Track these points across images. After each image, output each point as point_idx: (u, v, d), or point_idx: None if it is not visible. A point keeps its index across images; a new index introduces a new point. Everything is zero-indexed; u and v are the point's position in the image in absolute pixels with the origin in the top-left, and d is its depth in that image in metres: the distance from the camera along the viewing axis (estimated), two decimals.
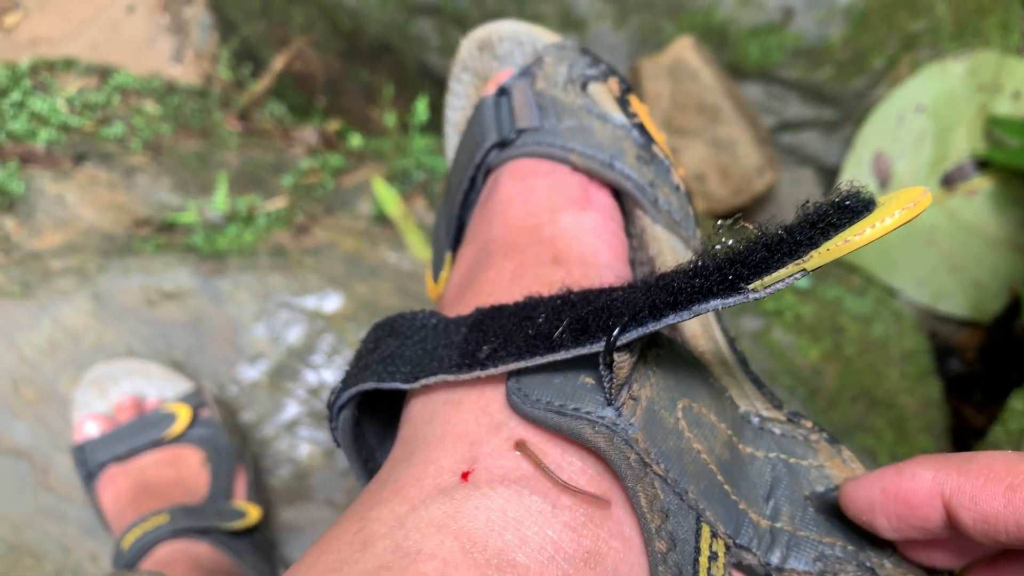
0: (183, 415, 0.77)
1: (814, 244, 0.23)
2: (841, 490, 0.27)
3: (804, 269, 0.23)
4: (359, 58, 1.31)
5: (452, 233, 0.40)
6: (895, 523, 0.25)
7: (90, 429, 0.78)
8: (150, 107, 1.13)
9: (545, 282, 0.32)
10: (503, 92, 0.40)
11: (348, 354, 0.86)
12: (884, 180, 1.14)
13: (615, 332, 0.26)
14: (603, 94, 0.40)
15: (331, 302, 0.88)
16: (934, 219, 1.12)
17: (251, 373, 0.85)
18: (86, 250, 0.92)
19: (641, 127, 0.39)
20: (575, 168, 0.38)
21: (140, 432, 0.77)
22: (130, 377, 0.81)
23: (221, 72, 1.22)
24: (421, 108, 1.09)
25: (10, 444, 0.83)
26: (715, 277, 0.24)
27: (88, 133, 1.07)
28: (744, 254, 0.24)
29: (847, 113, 1.15)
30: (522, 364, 0.28)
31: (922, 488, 0.24)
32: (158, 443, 0.76)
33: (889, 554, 0.27)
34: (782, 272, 0.23)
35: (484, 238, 0.36)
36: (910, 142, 1.13)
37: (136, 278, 0.88)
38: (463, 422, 0.29)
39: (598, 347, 0.27)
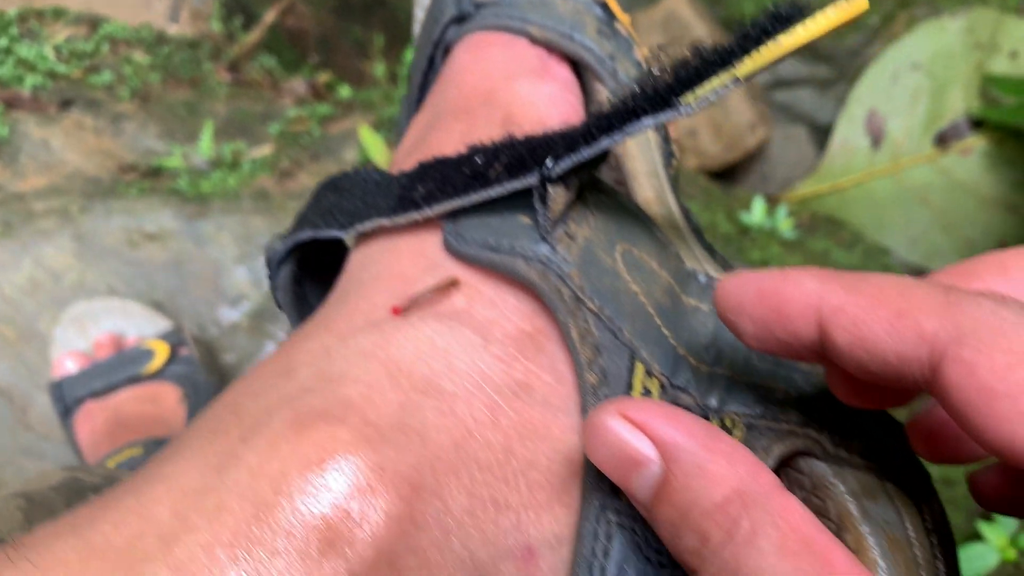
0: (161, 352, 0.76)
1: (746, 51, 0.22)
2: (719, 284, 0.23)
3: (736, 77, 0.23)
4: (352, 14, 1.30)
5: (412, 116, 0.40)
6: (759, 330, 0.22)
7: (69, 366, 0.78)
8: (139, 56, 1.12)
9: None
10: None
11: None
12: (877, 138, 1.13)
13: (548, 162, 0.26)
14: None
15: None
16: (928, 178, 1.11)
17: (232, 315, 0.85)
18: (70, 193, 0.91)
19: (604, 5, 0.39)
20: (534, 41, 0.37)
21: (118, 368, 0.76)
22: (110, 315, 0.80)
23: (213, 24, 1.22)
24: (409, 58, 1.08)
25: None
26: (648, 96, 0.24)
27: (76, 80, 1.06)
28: (676, 70, 0.24)
29: (841, 71, 1.14)
30: (457, 204, 0.28)
31: (800, 297, 0.21)
32: (136, 379, 0.76)
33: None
34: (714, 82, 0.23)
35: (437, 105, 0.36)
36: (904, 100, 1.12)
37: (119, 219, 0.88)
38: (398, 264, 0.29)
39: (532, 180, 0.26)
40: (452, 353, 0.25)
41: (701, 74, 0.23)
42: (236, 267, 0.86)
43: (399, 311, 0.26)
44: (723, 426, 0.25)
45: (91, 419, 0.76)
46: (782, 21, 0.22)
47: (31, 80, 1.03)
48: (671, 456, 0.21)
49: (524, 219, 0.28)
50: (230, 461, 0.22)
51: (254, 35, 1.22)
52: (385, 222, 0.29)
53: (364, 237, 0.31)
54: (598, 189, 0.30)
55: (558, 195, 0.26)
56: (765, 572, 0.18)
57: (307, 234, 0.30)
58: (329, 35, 1.34)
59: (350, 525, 0.22)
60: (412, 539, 0.22)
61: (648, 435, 0.21)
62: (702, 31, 1.07)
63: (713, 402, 0.26)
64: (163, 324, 0.80)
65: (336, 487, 0.22)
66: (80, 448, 0.76)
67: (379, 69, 1.14)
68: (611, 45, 0.37)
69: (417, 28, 0.47)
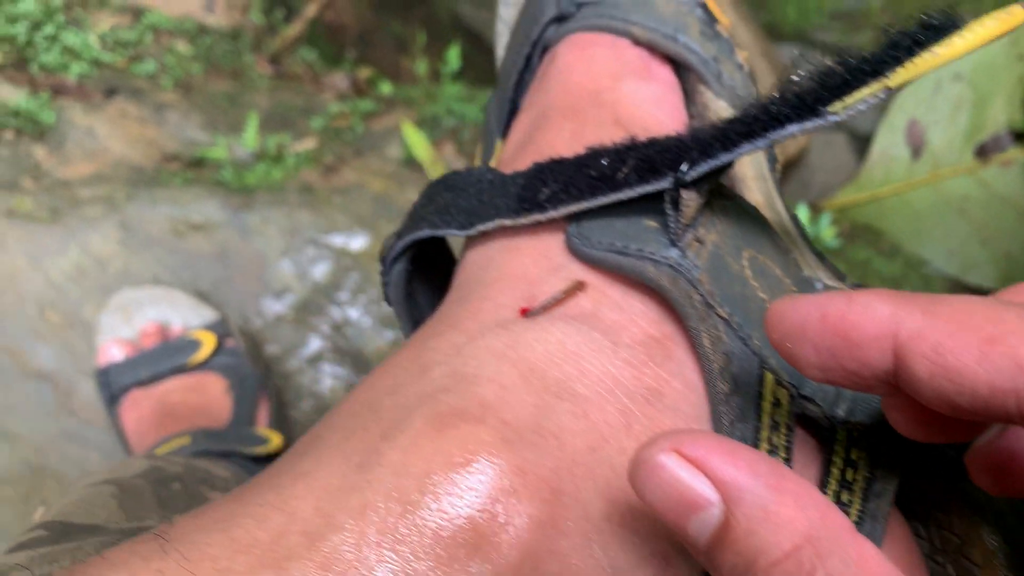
0: (208, 342, 0.77)
1: (898, 61, 0.22)
2: (771, 308, 0.21)
3: (888, 87, 0.23)
4: (391, 9, 1.30)
5: (504, 118, 0.40)
6: (824, 358, 0.20)
7: (114, 353, 0.78)
8: (182, 47, 1.13)
9: (607, 141, 0.32)
10: None
11: (373, 293, 0.86)
12: (917, 148, 1.12)
13: (683, 166, 0.26)
14: None
15: (358, 241, 0.88)
16: (967, 189, 1.10)
17: (276, 307, 0.85)
18: (115, 180, 0.92)
19: (704, 6, 0.39)
20: (636, 41, 0.37)
21: (164, 357, 0.77)
22: (156, 304, 0.81)
23: (254, 16, 1.22)
24: (453, 56, 1.09)
25: (35, 367, 0.83)
26: (793, 103, 0.24)
27: (120, 69, 1.07)
28: (822, 78, 0.24)
29: None
30: (583, 206, 0.28)
31: (873, 324, 0.19)
32: (182, 369, 0.76)
33: None
34: (864, 92, 0.23)
35: (542, 104, 0.36)
36: (946, 110, 1.11)
37: (164, 208, 0.88)
38: (521, 264, 0.29)
39: (665, 184, 0.26)
40: (583, 356, 0.25)
41: (849, 83, 0.23)
42: (281, 260, 0.86)
43: (526, 312, 0.27)
44: (850, 437, 0.25)
45: (137, 407, 0.76)
46: (935, 31, 0.22)
47: (76, 68, 1.04)
48: (733, 498, 0.19)
49: (650, 222, 0.28)
50: (372, 459, 0.23)
51: (295, 28, 1.22)
52: (507, 222, 0.29)
53: (480, 236, 0.31)
54: (722, 194, 0.30)
55: (691, 200, 0.26)
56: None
57: (426, 232, 0.30)
58: (368, 30, 1.34)
59: (495, 528, 0.22)
60: (554, 544, 0.23)
61: (707, 474, 0.19)
62: (745, 37, 1.07)
63: (840, 413, 0.26)
64: (208, 314, 0.81)
65: (481, 488, 0.22)
66: (126, 436, 0.76)
67: (421, 66, 1.14)
68: (714, 47, 0.37)
69: (499, 47, 0.47)
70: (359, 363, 0.84)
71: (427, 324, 0.29)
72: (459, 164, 0.96)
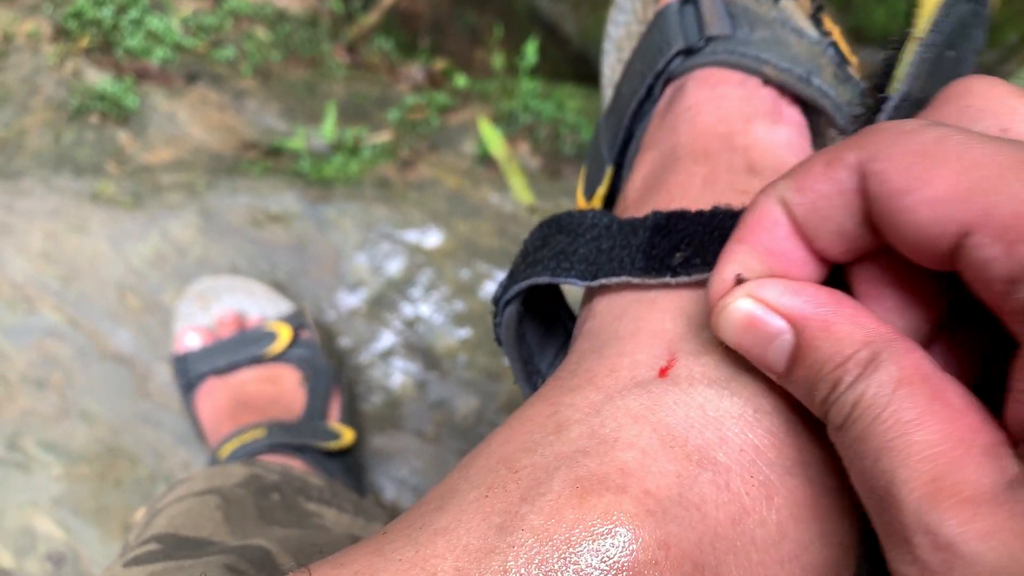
0: (284, 334, 0.78)
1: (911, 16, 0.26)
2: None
3: (917, 39, 0.26)
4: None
5: (618, 145, 0.39)
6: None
7: (191, 341, 0.80)
8: (261, 33, 1.14)
9: (740, 190, 0.31)
10: (688, 0, 0.39)
11: (445, 290, 0.86)
12: None
13: None
14: (796, 9, 0.39)
15: (432, 238, 0.88)
16: None
17: (350, 300, 0.86)
18: (195, 167, 0.93)
19: (835, 45, 0.38)
20: (767, 81, 0.36)
21: (241, 347, 0.78)
22: (233, 293, 0.82)
23: (332, 3, 1.22)
24: (531, 51, 1.08)
25: (114, 350, 0.85)
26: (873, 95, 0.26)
27: (200, 54, 1.08)
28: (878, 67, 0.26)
29: None
30: None
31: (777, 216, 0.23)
32: (258, 360, 0.77)
33: None
34: (905, 55, 0.26)
35: (669, 144, 0.35)
36: None
37: (243, 198, 0.89)
38: (659, 320, 0.28)
39: None
40: (723, 424, 0.25)
41: (893, 58, 0.25)
42: (356, 253, 0.87)
43: (666, 373, 0.26)
44: None
45: (213, 396, 0.77)
46: None
47: (159, 52, 1.05)
48: (801, 324, 0.22)
49: None
50: (513, 522, 0.22)
51: (372, 16, 1.23)
52: (634, 280, 0.28)
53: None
54: None
55: None
56: (881, 400, 0.20)
57: (544, 279, 0.30)
58: (442, 19, 1.34)
59: None
60: None
61: (777, 310, 0.23)
62: None
63: None
64: (284, 306, 0.82)
65: (624, 561, 0.22)
66: (201, 424, 0.78)
67: (497, 60, 1.14)
68: (847, 91, 0.36)
69: (606, 66, 0.46)
70: (429, 360, 0.85)
71: (559, 375, 0.28)
72: (534, 163, 0.96)
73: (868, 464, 0.19)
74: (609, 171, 0.39)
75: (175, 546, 0.33)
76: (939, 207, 0.19)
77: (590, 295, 0.31)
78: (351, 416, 0.81)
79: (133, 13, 1.08)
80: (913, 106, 0.27)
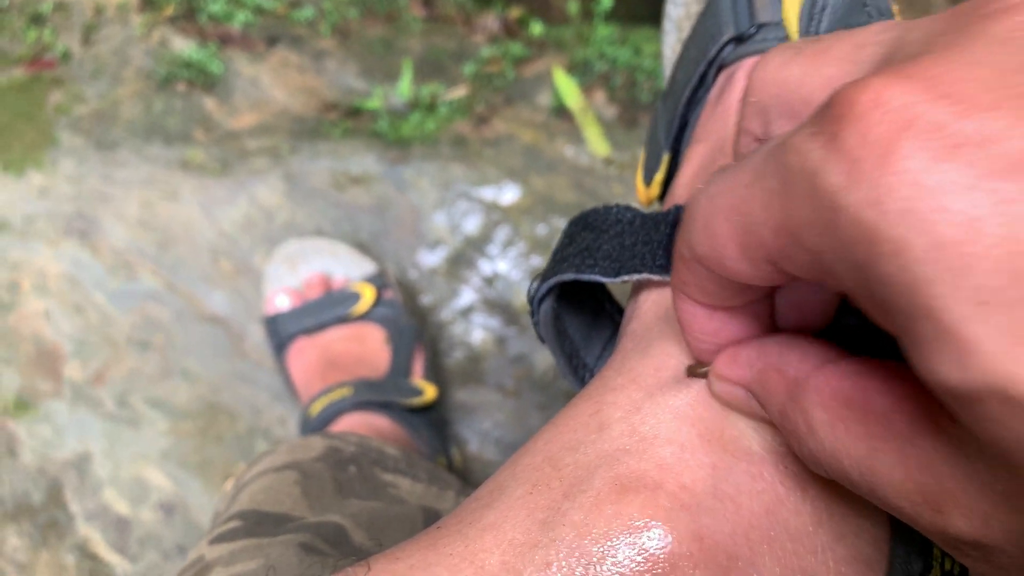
0: (368, 294, 0.80)
1: None
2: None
3: None
4: None
5: (674, 132, 0.39)
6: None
7: (281, 302, 0.83)
8: None
9: None
10: None
11: (523, 246, 0.87)
12: None
13: None
14: None
15: (508, 194, 0.89)
16: None
17: (431, 259, 0.88)
18: (278, 131, 0.96)
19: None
20: None
21: (328, 308, 0.81)
22: (319, 255, 0.85)
23: None
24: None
25: (210, 312, 0.89)
26: None
27: (280, 16, 1.10)
28: None
29: None
30: None
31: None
32: (344, 319, 0.80)
33: None
34: None
35: (719, 137, 0.35)
36: None
37: (325, 161, 0.91)
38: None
39: None
40: (758, 412, 0.25)
41: None
42: (435, 212, 0.88)
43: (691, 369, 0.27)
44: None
45: (303, 355, 0.81)
46: None
47: (241, 16, 1.07)
48: (748, 389, 0.24)
49: None
50: (555, 517, 0.24)
51: None
52: (655, 278, 0.29)
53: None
54: None
55: None
56: (829, 447, 0.20)
57: (569, 276, 0.30)
58: None
59: None
60: None
61: (731, 382, 0.24)
62: None
63: None
64: (368, 266, 0.84)
65: (659, 554, 0.23)
66: (293, 382, 0.81)
67: (573, 7, 1.12)
68: None
69: (666, 46, 0.45)
70: (508, 315, 0.86)
71: (603, 374, 0.29)
72: (610, 112, 0.95)
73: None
74: (666, 157, 0.39)
75: (256, 522, 0.36)
76: (744, 268, 0.20)
77: (636, 291, 0.32)
78: (434, 372, 0.83)
79: None
80: None
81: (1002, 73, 0.14)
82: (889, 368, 0.19)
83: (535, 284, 0.32)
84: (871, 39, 0.19)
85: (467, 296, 0.87)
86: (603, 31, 1.03)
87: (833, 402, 0.20)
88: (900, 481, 0.18)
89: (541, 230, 0.87)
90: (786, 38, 0.35)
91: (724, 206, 0.19)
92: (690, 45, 0.40)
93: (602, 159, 0.92)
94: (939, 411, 0.17)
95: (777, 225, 0.17)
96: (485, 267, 0.87)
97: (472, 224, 0.88)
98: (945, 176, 0.14)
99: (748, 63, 0.37)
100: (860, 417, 0.19)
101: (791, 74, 0.21)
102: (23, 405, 0.90)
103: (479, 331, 0.86)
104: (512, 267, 0.87)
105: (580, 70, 0.99)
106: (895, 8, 0.37)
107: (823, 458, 0.20)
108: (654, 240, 0.30)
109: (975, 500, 0.16)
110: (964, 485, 0.16)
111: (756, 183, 0.18)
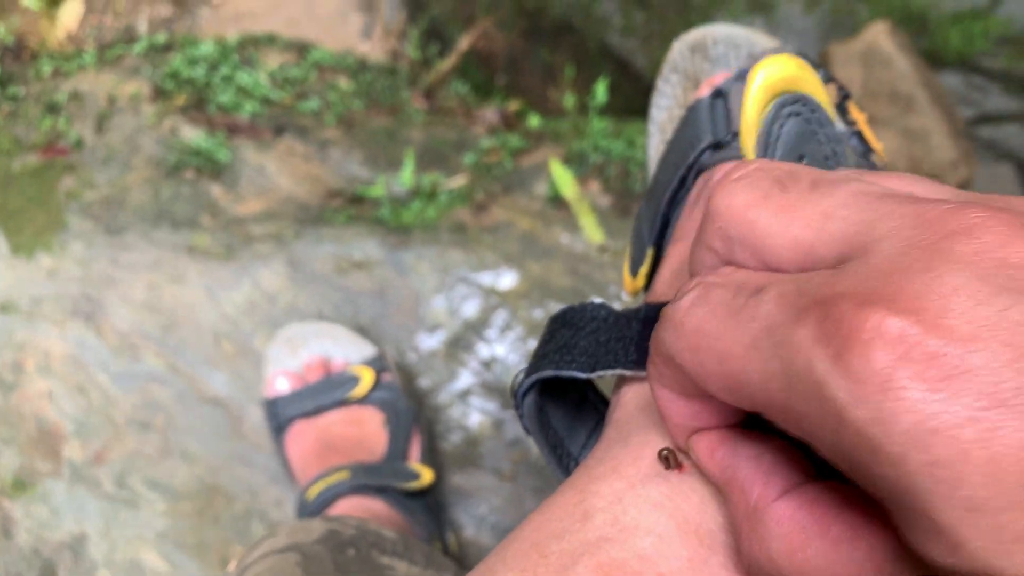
0: (367, 378, 0.81)
1: None
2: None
3: None
4: (540, 37, 1.33)
5: (656, 230, 0.41)
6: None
7: (281, 385, 0.84)
8: (344, 83, 1.19)
9: None
10: (719, 94, 0.41)
11: (520, 330, 0.89)
12: None
13: None
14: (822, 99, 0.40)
15: (506, 279, 0.91)
16: None
17: (429, 342, 0.89)
18: (283, 218, 0.98)
19: (860, 135, 0.39)
20: None
21: (327, 391, 0.82)
22: (319, 338, 0.86)
23: (410, 51, 1.27)
24: (601, 90, 1.10)
25: (211, 393, 0.90)
26: None
27: (287, 106, 1.14)
28: None
29: None
30: None
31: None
32: (343, 403, 0.82)
33: None
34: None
35: (693, 234, 0.37)
36: None
37: (328, 246, 0.94)
38: None
39: None
40: None
41: None
42: (434, 297, 0.91)
43: (684, 468, 0.28)
44: None
45: (301, 438, 0.82)
46: None
47: (249, 107, 1.11)
48: (718, 483, 0.25)
49: None
50: None
51: (449, 61, 1.27)
52: (627, 373, 0.31)
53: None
54: None
55: None
56: (777, 557, 0.21)
57: (549, 372, 0.32)
58: (517, 57, 1.38)
59: None
60: None
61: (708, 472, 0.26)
62: (904, 65, 1.04)
63: None
64: (368, 350, 0.86)
65: None
66: (290, 465, 0.82)
67: (569, 100, 1.17)
68: None
69: (651, 147, 0.48)
70: (506, 398, 0.87)
71: (587, 464, 0.31)
72: (604, 201, 0.98)
73: None
74: (650, 252, 0.41)
75: None
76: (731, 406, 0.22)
77: (619, 384, 0.33)
78: (431, 455, 0.84)
79: (224, 70, 1.15)
80: None
81: (976, 303, 0.17)
82: (845, 498, 0.21)
83: (518, 379, 0.34)
84: (838, 213, 0.21)
85: (465, 379, 0.88)
86: (598, 124, 1.07)
87: (791, 532, 0.21)
88: None
89: (538, 314, 0.89)
90: None
91: (716, 350, 0.21)
92: (671, 150, 0.43)
93: (596, 246, 0.94)
94: (894, 550, 0.19)
95: (773, 400, 0.20)
96: (483, 351, 0.89)
97: (470, 308, 0.90)
98: (939, 406, 0.16)
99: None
100: (818, 550, 0.20)
101: (758, 220, 0.23)
102: (21, 485, 0.90)
103: (476, 414, 0.87)
104: (509, 351, 0.88)
105: (576, 161, 1.02)
106: (860, 117, 0.39)
107: None
108: (626, 337, 0.31)
109: None
110: None
111: (755, 353, 0.20)
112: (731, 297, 0.21)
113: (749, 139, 0.29)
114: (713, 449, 0.25)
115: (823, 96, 0.38)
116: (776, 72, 0.29)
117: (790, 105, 0.30)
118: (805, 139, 0.30)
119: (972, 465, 0.16)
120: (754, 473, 0.23)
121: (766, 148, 0.30)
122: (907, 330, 0.17)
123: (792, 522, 0.21)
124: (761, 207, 0.23)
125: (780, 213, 0.22)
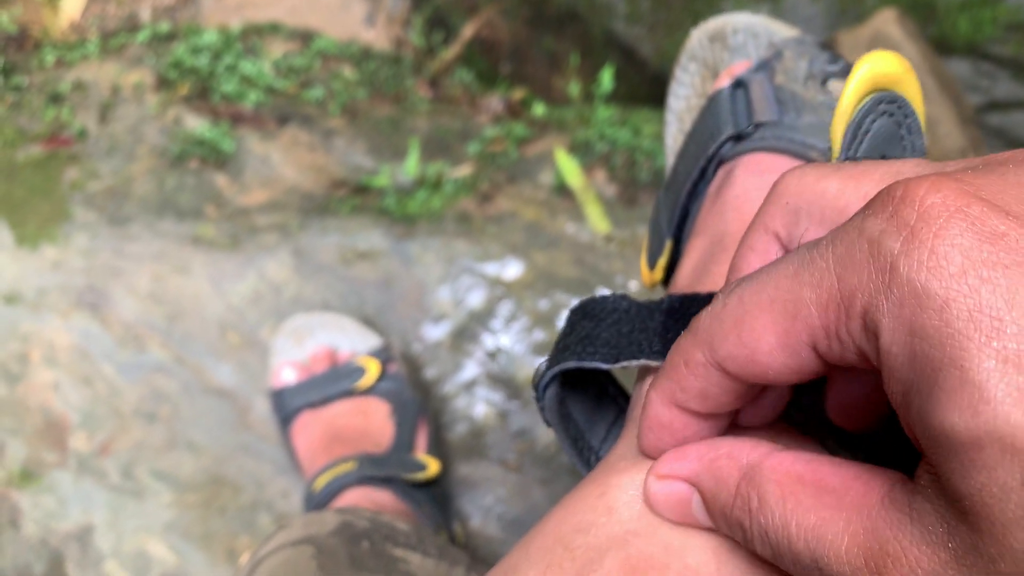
0: (373, 369, 0.81)
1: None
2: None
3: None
4: (545, 25, 1.33)
5: (675, 221, 0.41)
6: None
7: (287, 376, 0.84)
8: (348, 72, 1.19)
9: None
10: (739, 85, 0.41)
11: (525, 321, 0.89)
12: None
13: None
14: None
15: (511, 269, 0.91)
16: None
17: (435, 333, 0.89)
18: (288, 208, 0.98)
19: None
20: None
21: (333, 382, 0.82)
22: (325, 329, 0.86)
23: (413, 39, 1.27)
24: (606, 78, 1.10)
25: (217, 384, 0.90)
26: None
27: (291, 96, 1.13)
28: None
29: None
30: None
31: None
32: (349, 393, 0.81)
33: None
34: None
35: (717, 231, 0.37)
36: None
37: (334, 237, 0.93)
38: None
39: None
40: None
41: None
42: (439, 287, 0.90)
43: None
44: None
45: (308, 429, 0.82)
46: None
47: (253, 96, 1.11)
48: (695, 480, 0.25)
49: None
50: None
51: (453, 50, 1.26)
52: (653, 364, 0.30)
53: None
54: None
55: None
56: (779, 519, 0.21)
57: (571, 364, 0.32)
58: (522, 46, 1.37)
59: None
60: None
61: (676, 478, 0.25)
62: (912, 53, 1.03)
63: None
64: (373, 340, 0.85)
65: None
66: (297, 455, 0.82)
67: (574, 88, 1.16)
68: None
69: (668, 136, 0.48)
70: (511, 389, 0.87)
71: (608, 459, 0.30)
72: (610, 191, 0.98)
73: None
74: (668, 244, 0.41)
75: None
76: (778, 359, 0.22)
77: (641, 376, 0.33)
78: (437, 446, 0.84)
79: (228, 59, 1.15)
80: None
81: None
82: (835, 460, 0.22)
83: (540, 370, 0.34)
84: (910, 170, 0.22)
85: (470, 370, 0.88)
86: (604, 113, 1.07)
87: (786, 479, 0.22)
88: (845, 548, 0.20)
89: (543, 305, 0.89)
90: (789, 140, 0.38)
91: (763, 300, 0.21)
92: (691, 140, 0.42)
93: (602, 236, 0.94)
94: (888, 488, 0.20)
95: (828, 298, 0.20)
96: (488, 341, 0.89)
97: (476, 299, 0.90)
98: (989, 256, 0.17)
99: (746, 159, 0.39)
100: (811, 492, 0.21)
101: (829, 185, 0.24)
102: (28, 476, 0.91)
103: (482, 405, 0.87)
104: (515, 341, 0.88)
105: (581, 150, 1.02)
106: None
107: (771, 531, 0.22)
108: (649, 328, 0.31)
109: (917, 560, 0.18)
110: (907, 547, 0.19)
111: (803, 270, 0.21)
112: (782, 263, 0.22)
113: (840, 124, 0.29)
114: (684, 451, 0.26)
115: (920, 105, 0.38)
116: (882, 67, 0.29)
117: (887, 103, 0.30)
118: (891, 141, 0.30)
119: (1013, 315, 0.16)
120: (741, 444, 0.24)
121: (853, 139, 0.30)
122: (960, 194, 0.18)
123: (787, 470, 0.22)
124: (832, 176, 0.24)
125: (852, 176, 0.23)
